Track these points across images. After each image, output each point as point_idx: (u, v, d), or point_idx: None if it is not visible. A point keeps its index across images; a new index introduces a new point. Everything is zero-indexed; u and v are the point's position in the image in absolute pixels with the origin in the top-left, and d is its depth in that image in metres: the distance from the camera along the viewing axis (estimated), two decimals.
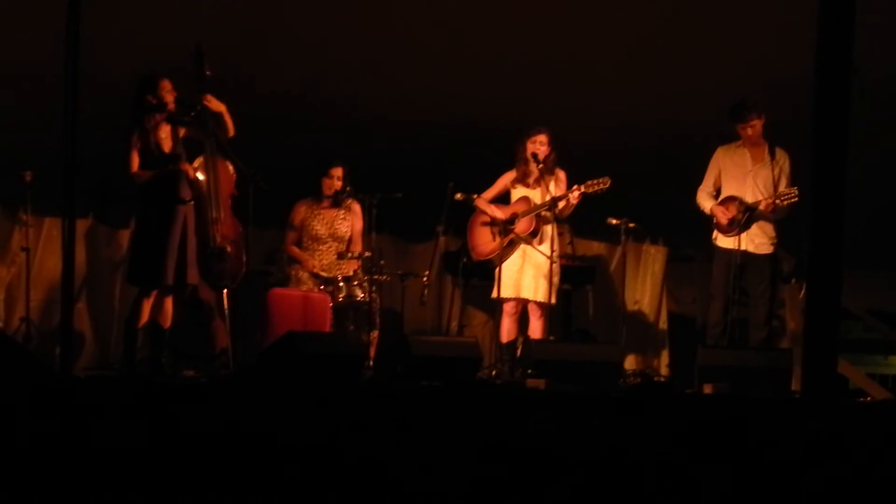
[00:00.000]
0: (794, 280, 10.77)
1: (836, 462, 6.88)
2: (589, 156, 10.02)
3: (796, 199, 9.43)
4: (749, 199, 9.66)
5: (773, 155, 9.74)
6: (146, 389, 7.16)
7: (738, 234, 9.65)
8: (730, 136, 9.90)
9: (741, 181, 9.80)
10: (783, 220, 9.74)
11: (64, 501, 6.17)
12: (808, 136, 7.33)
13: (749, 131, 9.75)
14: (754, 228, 9.69)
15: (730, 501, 6.77)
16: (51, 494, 6.16)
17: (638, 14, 10.45)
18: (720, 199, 9.85)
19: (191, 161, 8.83)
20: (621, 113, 10.69)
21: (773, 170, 9.72)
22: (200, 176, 8.80)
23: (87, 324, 10.40)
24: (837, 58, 7.34)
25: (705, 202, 9.90)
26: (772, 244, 9.77)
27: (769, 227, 9.77)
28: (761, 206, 9.59)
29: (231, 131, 8.82)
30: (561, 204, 9.68)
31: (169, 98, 8.59)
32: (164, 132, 8.63)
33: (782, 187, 9.65)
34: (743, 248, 9.66)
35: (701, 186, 9.97)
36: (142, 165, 8.58)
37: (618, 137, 10.69)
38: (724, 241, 9.84)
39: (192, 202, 8.72)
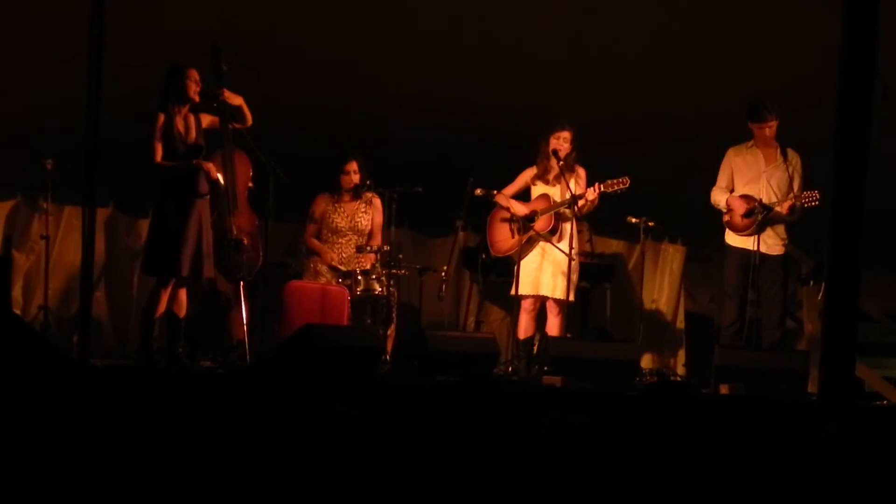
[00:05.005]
0: (811, 282, 10.73)
1: (851, 464, 6.87)
2: (608, 153, 10.00)
3: (817, 202, 9.40)
4: (764, 200, 9.64)
5: (785, 156, 9.72)
6: (162, 379, 7.19)
7: (754, 233, 9.62)
8: (741, 138, 9.89)
9: (755, 182, 9.79)
10: (796, 222, 9.72)
11: (79, 488, 6.19)
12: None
13: (766, 132, 9.73)
14: (766, 230, 9.66)
15: (744, 502, 6.76)
16: (65, 481, 6.18)
17: (660, 9, 10.44)
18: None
19: (210, 153, 8.87)
20: (641, 110, 10.67)
21: (786, 171, 9.70)
22: (220, 178, 8.82)
23: (106, 313, 10.42)
24: (860, 59, 7.33)
25: (720, 197, 9.88)
26: (783, 245, 9.76)
27: (780, 228, 9.77)
28: (782, 208, 9.56)
29: (249, 121, 8.89)
30: (580, 202, 9.67)
31: (195, 88, 8.61)
32: (188, 122, 8.66)
33: (796, 188, 9.64)
34: (754, 248, 9.64)
35: (716, 185, 9.95)
36: (164, 155, 8.59)
37: (638, 135, 10.67)
38: (736, 241, 9.82)
39: (209, 195, 8.75)
